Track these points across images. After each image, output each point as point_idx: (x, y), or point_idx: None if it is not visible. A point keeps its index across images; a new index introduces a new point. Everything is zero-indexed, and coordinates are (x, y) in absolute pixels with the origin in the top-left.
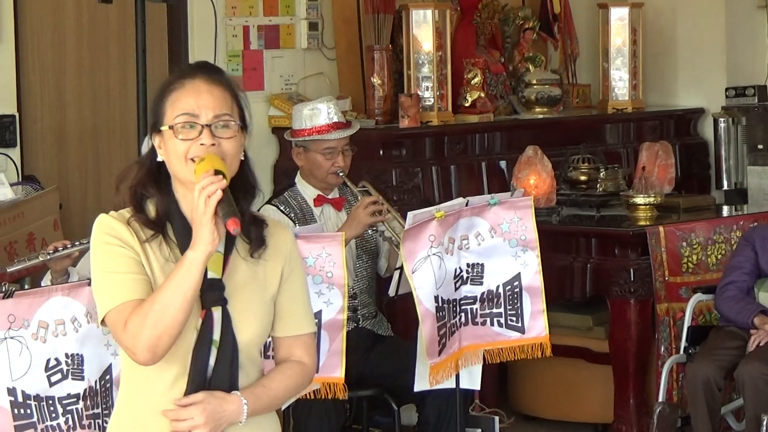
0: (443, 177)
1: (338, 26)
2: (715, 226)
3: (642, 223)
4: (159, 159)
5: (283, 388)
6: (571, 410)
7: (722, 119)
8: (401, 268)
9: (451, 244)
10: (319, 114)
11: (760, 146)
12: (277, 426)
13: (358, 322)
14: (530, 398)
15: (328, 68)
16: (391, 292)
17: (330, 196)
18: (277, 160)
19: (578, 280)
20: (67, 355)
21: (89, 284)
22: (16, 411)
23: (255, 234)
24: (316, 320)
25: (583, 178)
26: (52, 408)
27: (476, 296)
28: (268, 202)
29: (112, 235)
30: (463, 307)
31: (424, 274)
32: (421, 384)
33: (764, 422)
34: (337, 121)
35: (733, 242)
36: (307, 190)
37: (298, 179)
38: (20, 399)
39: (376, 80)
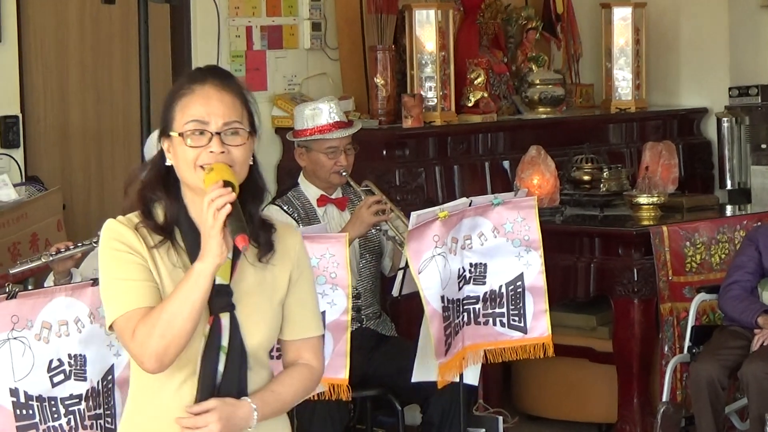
0: (446, 177)
1: (341, 26)
2: (718, 226)
3: (645, 222)
4: (168, 163)
5: (292, 391)
6: (574, 410)
7: (725, 119)
8: (404, 268)
9: (455, 244)
10: (321, 113)
11: (764, 146)
12: (287, 428)
13: (361, 323)
14: (534, 398)
15: (331, 68)
16: (395, 292)
17: (333, 196)
18: (280, 161)
19: (582, 280)
20: (69, 356)
21: (92, 285)
22: (18, 412)
23: (263, 239)
24: None
25: (586, 178)
26: (54, 408)
27: (479, 296)
28: (272, 202)
29: (120, 241)
30: (465, 307)
31: (430, 275)
32: (418, 375)
33: None
34: (338, 120)
35: (736, 242)
36: (310, 190)
37: (301, 179)
38: (22, 399)
39: (379, 80)
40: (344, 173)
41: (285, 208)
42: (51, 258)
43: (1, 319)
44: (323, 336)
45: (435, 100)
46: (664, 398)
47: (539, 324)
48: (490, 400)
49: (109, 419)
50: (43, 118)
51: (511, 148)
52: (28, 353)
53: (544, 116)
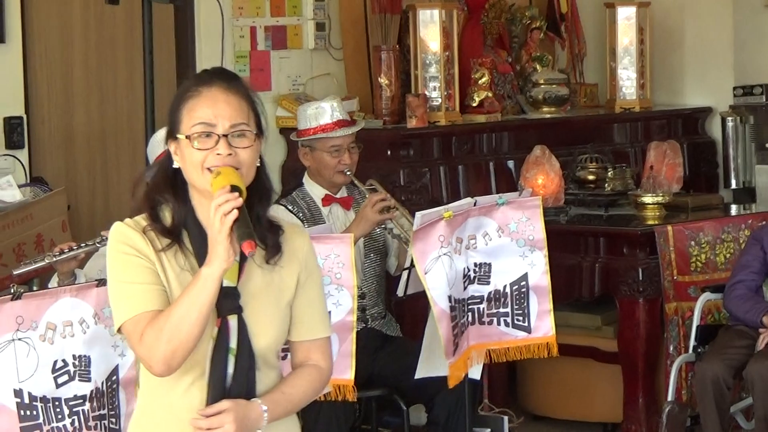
0: (451, 177)
1: (345, 27)
2: (723, 225)
3: (650, 222)
4: (175, 165)
5: (302, 392)
6: (580, 410)
7: (730, 118)
8: (409, 268)
9: (459, 244)
10: (324, 112)
11: None
12: (297, 428)
13: (366, 323)
14: (539, 398)
15: (336, 69)
16: (400, 292)
17: (338, 196)
18: (284, 161)
19: (587, 280)
20: (74, 357)
21: (97, 285)
22: (22, 412)
23: (271, 240)
24: None
25: (591, 177)
26: (58, 409)
27: (483, 296)
28: (276, 202)
29: (127, 244)
30: (470, 307)
31: (437, 275)
32: (422, 372)
33: None
34: (341, 119)
35: (741, 241)
36: (314, 190)
37: (306, 179)
38: (26, 400)
39: (383, 80)
40: (348, 172)
41: (290, 207)
42: (55, 259)
43: (5, 320)
44: (331, 337)
45: (439, 100)
46: (670, 398)
47: (543, 324)
48: (496, 400)
49: (114, 419)
50: (48, 119)
51: (515, 147)
52: (32, 354)
53: (548, 116)
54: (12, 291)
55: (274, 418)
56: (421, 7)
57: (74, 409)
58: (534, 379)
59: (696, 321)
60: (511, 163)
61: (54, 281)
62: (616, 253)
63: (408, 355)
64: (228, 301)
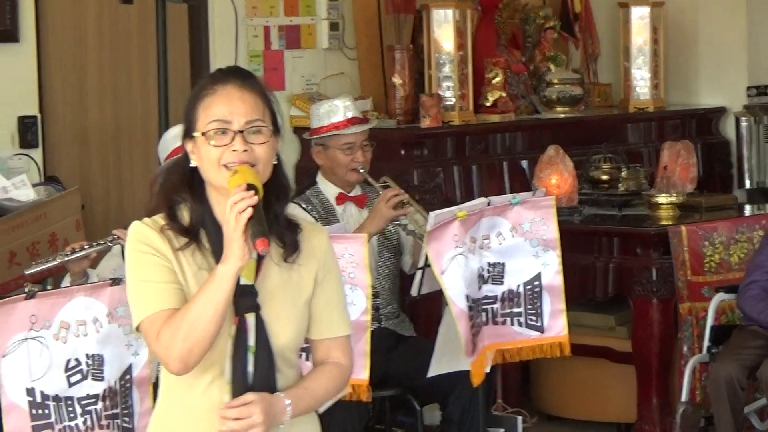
0: (465, 177)
1: (359, 26)
2: (737, 226)
3: (664, 222)
4: (192, 164)
5: (324, 388)
6: (594, 410)
7: (744, 118)
8: (423, 267)
9: (473, 244)
10: (336, 110)
11: None
12: (317, 428)
13: (380, 322)
14: (553, 398)
15: (349, 68)
16: (413, 292)
17: (351, 194)
18: (298, 160)
19: (600, 280)
20: (87, 356)
21: (111, 285)
22: (34, 411)
23: (289, 239)
24: None
25: (604, 177)
26: (70, 408)
27: (497, 296)
28: (290, 200)
29: (145, 243)
30: (484, 307)
31: (454, 274)
32: (434, 370)
33: None
34: (354, 116)
35: (755, 241)
36: (328, 189)
37: (319, 178)
38: (38, 399)
39: (397, 80)
40: (362, 170)
41: (304, 206)
42: (66, 258)
43: (19, 319)
44: (351, 335)
45: (453, 99)
46: (684, 398)
47: (556, 323)
48: (510, 400)
49: (127, 419)
50: (62, 118)
51: (529, 147)
52: (45, 353)
53: (562, 116)
54: (26, 290)
55: (297, 413)
56: (434, 7)
57: (87, 408)
58: (548, 379)
59: (710, 321)
60: (524, 163)
61: (66, 281)
62: (630, 254)
63: (422, 354)
64: (246, 299)
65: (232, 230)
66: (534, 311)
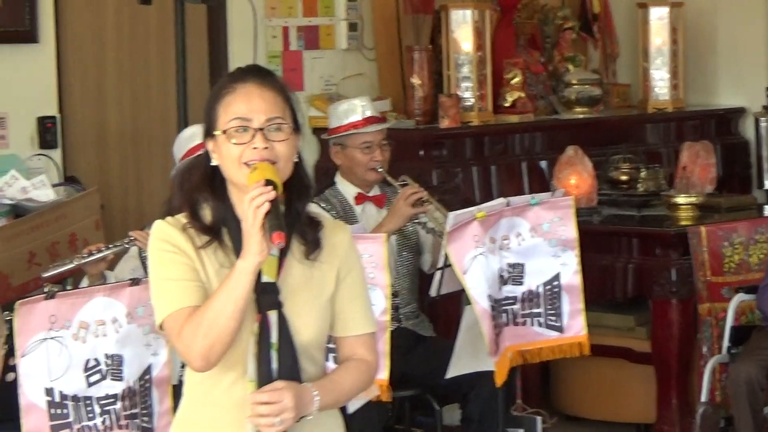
0: (483, 177)
1: (378, 27)
2: (756, 226)
3: (683, 223)
4: (213, 163)
5: (350, 382)
6: (613, 410)
7: (763, 118)
8: (442, 267)
9: (492, 244)
10: (354, 110)
11: None
12: (341, 428)
13: (400, 322)
14: (572, 398)
15: (368, 69)
16: (432, 292)
17: (370, 194)
18: (317, 161)
19: (620, 281)
20: (106, 356)
21: (131, 285)
22: (52, 411)
23: (311, 236)
24: None
25: (624, 178)
26: (89, 408)
27: (517, 296)
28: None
29: (167, 241)
30: (504, 308)
31: (476, 274)
32: (453, 371)
33: None
34: (371, 115)
35: None
36: (347, 189)
37: (338, 178)
38: (57, 399)
39: (415, 81)
40: (380, 169)
41: (323, 205)
42: (83, 260)
43: (38, 319)
44: (375, 333)
45: (472, 100)
46: (703, 399)
47: (575, 323)
48: (529, 401)
49: (146, 418)
50: (81, 119)
51: (548, 148)
52: (64, 353)
53: (581, 116)
54: (46, 290)
55: (324, 404)
56: (453, 8)
57: (105, 408)
58: (567, 379)
59: (729, 322)
60: (543, 164)
61: (85, 283)
62: (649, 254)
63: (441, 355)
64: (268, 296)
65: (250, 225)
66: (553, 311)
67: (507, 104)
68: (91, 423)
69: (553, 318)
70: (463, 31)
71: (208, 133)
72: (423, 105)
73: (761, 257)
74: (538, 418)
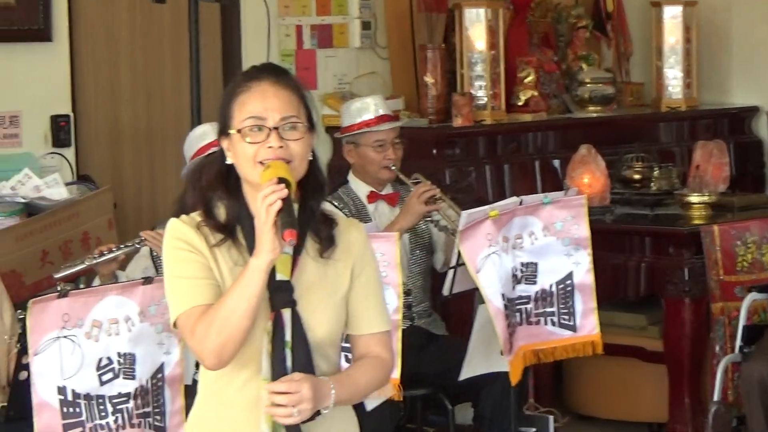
0: (496, 176)
1: (391, 25)
2: None
3: (696, 222)
4: (228, 162)
5: (366, 379)
6: (625, 409)
7: None
8: (455, 266)
9: (506, 243)
10: (367, 108)
11: None
12: (356, 426)
13: (413, 320)
14: (585, 397)
15: (381, 67)
16: (445, 291)
17: (383, 192)
18: (330, 159)
19: (632, 279)
20: (119, 354)
21: (143, 284)
22: (65, 409)
23: (325, 233)
24: None
25: (636, 176)
26: (102, 407)
27: (530, 295)
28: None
29: (181, 239)
30: (518, 307)
31: (489, 273)
32: (466, 373)
33: None
34: (384, 114)
35: None
36: (360, 187)
37: (351, 177)
38: (70, 398)
39: (429, 79)
40: (393, 167)
41: (335, 203)
42: (95, 261)
43: (51, 317)
44: (390, 330)
45: (485, 98)
46: (716, 398)
47: (588, 322)
48: (541, 400)
49: (159, 417)
50: (95, 118)
51: (561, 146)
52: (77, 351)
53: (594, 115)
54: (59, 289)
55: (340, 399)
56: (467, 6)
57: (118, 407)
58: (579, 378)
59: (742, 321)
60: (556, 162)
61: (96, 283)
62: (662, 253)
63: (454, 354)
64: (281, 294)
65: (263, 223)
66: (566, 310)
67: (520, 103)
68: (103, 422)
69: (566, 317)
70: (476, 29)
71: (223, 132)
72: (436, 103)
73: None
74: (551, 417)
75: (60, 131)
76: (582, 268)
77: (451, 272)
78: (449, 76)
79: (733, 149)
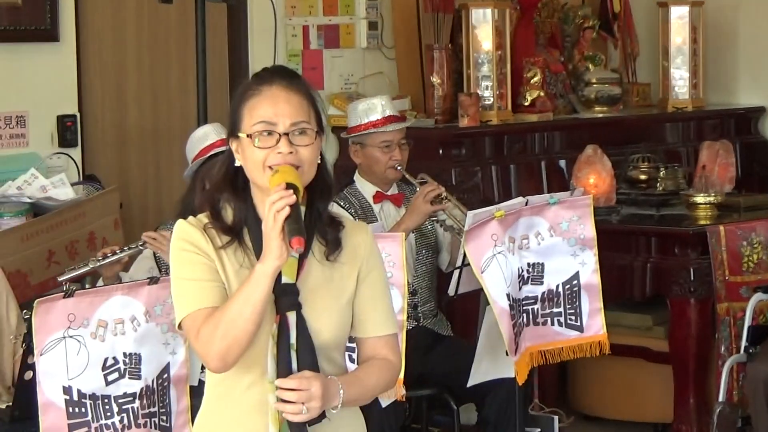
0: (503, 176)
1: (397, 25)
2: None
3: (702, 222)
4: (236, 164)
5: (374, 380)
6: (630, 410)
7: None
8: (461, 267)
9: (512, 244)
10: (374, 108)
11: None
12: (363, 427)
13: (418, 321)
14: (590, 398)
15: (388, 67)
16: (451, 291)
17: (389, 193)
18: (337, 160)
19: (638, 280)
20: (125, 354)
21: (149, 284)
22: (70, 410)
23: (331, 236)
24: None
25: (642, 177)
26: (107, 407)
27: (537, 296)
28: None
29: (188, 241)
30: (524, 308)
31: (494, 273)
32: (475, 379)
33: None
34: (391, 114)
35: None
36: (366, 188)
37: (357, 177)
38: (75, 398)
39: (435, 79)
40: (399, 167)
41: (341, 203)
42: (99, 263)
43: (57, 317)
44: (397, 333)
45: (491, 99)
46: (721, 398)
47: (595, 322)
48: (546, 400)
49: (164, 417)
50: (101, 118)
51: (567, 147)
52: (83, 351)
53: (600, 115)
54: (64, 288)
55: (348, 399)
56: (473, 6)
57: (123, 407)
58: (585, 379)
59: (747, 321)
60: (562, 163)
61: (101, 284)
62: (668, 253)
63: (459, 354)
64: (287, 297)
65: (270, 229)
66: (573, 311)
67: (526, 103)
68: (108, 421)
69: (573, 317)
70: (483, 29)
71: (232, 134)
72: (442, 104)
73: None
74: (555, 418)
75: (66, 131)
76: (588, 268)
77: (456, 272)
78: (456, 77)
79: (739, 149)
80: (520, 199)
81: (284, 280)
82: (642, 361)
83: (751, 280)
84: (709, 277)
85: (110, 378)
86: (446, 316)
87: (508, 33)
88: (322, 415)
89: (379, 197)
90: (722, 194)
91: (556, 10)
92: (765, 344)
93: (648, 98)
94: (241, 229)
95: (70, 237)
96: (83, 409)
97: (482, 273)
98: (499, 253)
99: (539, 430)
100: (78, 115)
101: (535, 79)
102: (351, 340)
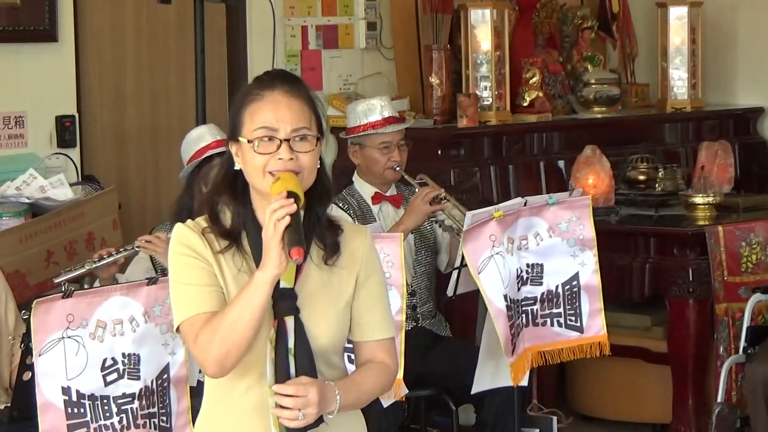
0: (501, 177)
1: (396, 26)
2: None
3: (701, 222)
4: (236, 168)
5: (370, 384)
6: (629, 410)
7: None
8: (459, 267)
9: (511, 245)
10: (373, 110)
11: None
12: (363, 428)
13: (417, 321)
14: (588, 398)
15: (387, 68)
16: (449, 292)
17: (387, 194)
18: (335, 160)
19: (637, 280)
20: (123, 355)
21: (148, 284)
22: (69, 410)
23: (330, 240)
24: None
25: (641, 177)
26: (106, 407)
27: (536, 297)
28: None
29: (186, 245)
30: (524, 309)
31: (490, 274)
32: (479, 386)
33: None
34: (390, 115)
35: None
36: (364, 188)
37: (356, 178)
38: (74, 398)
39: (434, 80)
40: (398, 168)
41: (340, 204)
42: (95, 265)
43: (56, 318)
44: (394, 337)
45: (490, 99)
46: (719, 399)
47: (595, 323)
48: (545, 401)
49: (164, 418)
50: (100, 118)
51: (566, 147)
52: (81, 352)
53: (599, 116)
54: (63, 289)
55: (345, 404)
56: (472, 7)
57: (122, 408)
58: (583, 379)
59: (746, 322)
60: (561, 163)
61: (97, 285)
62: (667, 254)
63: (458, 355)
64: (285, 302)
65: (270, 237)
66: (573, 311)
67: (525, 104)
68: (107, 422)
69: (573, 318)
70: (481, 30)
71: (233, 138)
72: (441, 104)
73: None
74: (554, 418)
75: (65, 132)
76: (588, 268)
77: (455, 273)
78: (454, 77)
79: (738, 150)
80: (519, 199)
81: (282, 284)
82: (641, 361)
83: (750, 280)
84: (708, 278)
85: (109, 378)
86: (445, 317)
87: (507, 33)
88: (319, 420)
89: (377, 198)
90: (721, 195)
91: (555, 10)
92: (764, 345)
93: (647, 99)
94: (239, 234)
95: (68, 237)
96: (82, 410)
97: (479, 274)
98: (497, 253)
99: (538, 430)
100: (77, 115)
101: (534, 79)
102: (349, 341)
